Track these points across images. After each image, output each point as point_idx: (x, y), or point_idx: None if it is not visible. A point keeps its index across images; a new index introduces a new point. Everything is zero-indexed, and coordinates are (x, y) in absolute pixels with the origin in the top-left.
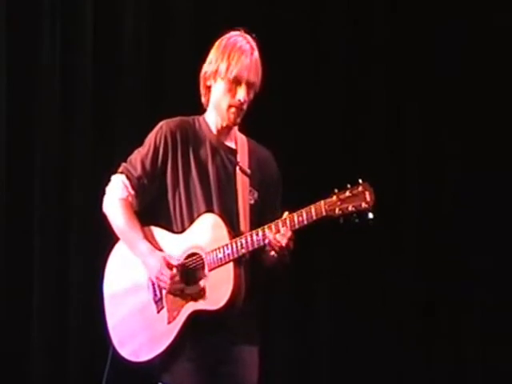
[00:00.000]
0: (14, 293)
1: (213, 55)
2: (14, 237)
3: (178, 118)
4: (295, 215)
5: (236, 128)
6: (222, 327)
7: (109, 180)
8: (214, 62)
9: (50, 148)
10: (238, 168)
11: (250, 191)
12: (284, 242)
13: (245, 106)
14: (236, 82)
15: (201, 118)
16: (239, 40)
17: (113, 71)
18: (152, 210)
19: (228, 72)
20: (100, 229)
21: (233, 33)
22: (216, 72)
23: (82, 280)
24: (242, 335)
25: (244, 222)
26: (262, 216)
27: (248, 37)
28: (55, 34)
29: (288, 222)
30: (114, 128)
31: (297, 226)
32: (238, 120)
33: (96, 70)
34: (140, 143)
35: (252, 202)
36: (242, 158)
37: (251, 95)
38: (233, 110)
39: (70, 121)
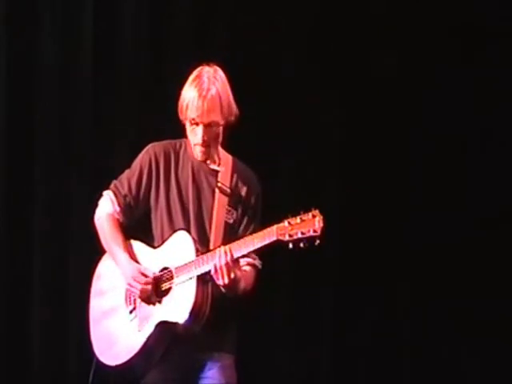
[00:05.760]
0: (14, 293)
1: (183, 90)
2: (14, 237)
3: (164, 142)
4: (248, 238)
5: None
6: (192, 337)
7: (102, 191)
8: (181, 99)
9: (49, 148)
10: (217, 189)
11: (229, 211)
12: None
13: (210, 143)
14: (194, 123)
15: (187, 141)
16: (201, 76)
17: (113, 71)
18: (140, 226)
19: (185, 115)
20: None
21: (201, 68)
22: (180, 111)
23: (82, 280)
24: (213, 345)
25: (215, 240)
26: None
27: (212, 71)
28: (55, 33)
29: (243, 243)
30: (114, 128)
31: (251, 249)
32: (206, 156)
33: (96, 70)
34: (140, 144)
35: (231, 221)
36: (224, 178)
37: (214, 132)
38: (198, 148)
39: (70, 121)
